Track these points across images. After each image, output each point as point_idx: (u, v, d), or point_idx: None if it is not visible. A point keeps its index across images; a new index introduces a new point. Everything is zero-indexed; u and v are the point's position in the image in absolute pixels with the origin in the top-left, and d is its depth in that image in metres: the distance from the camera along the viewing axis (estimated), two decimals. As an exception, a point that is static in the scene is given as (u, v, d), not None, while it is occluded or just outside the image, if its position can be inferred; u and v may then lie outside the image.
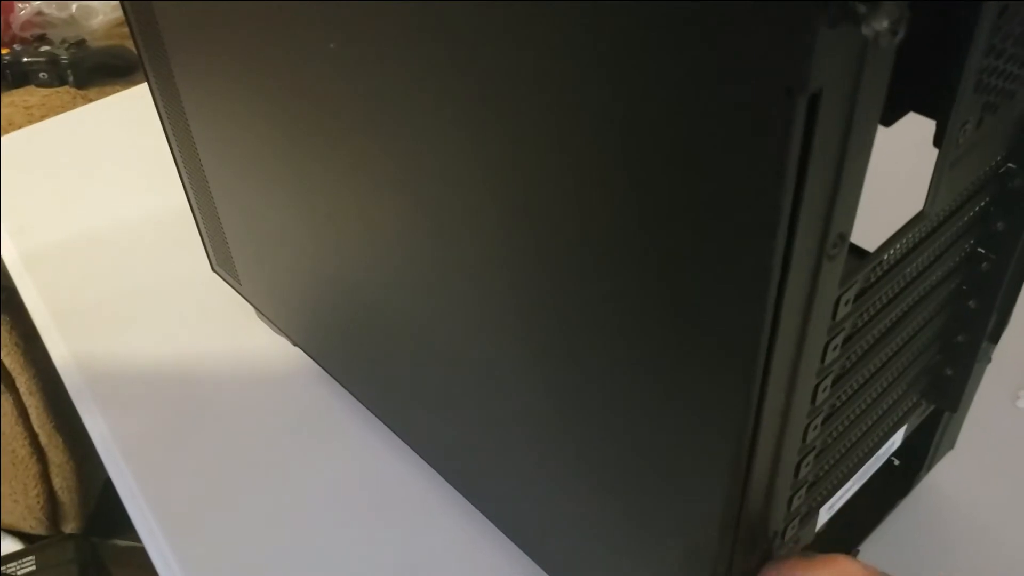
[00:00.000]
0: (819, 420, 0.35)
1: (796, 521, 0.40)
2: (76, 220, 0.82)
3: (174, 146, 0.62)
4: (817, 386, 0.33)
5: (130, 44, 1.48)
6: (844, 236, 0.28)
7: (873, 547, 0.54)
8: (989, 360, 0.50)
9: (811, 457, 0.37)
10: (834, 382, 0.34)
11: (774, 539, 0.39)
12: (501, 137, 0.32)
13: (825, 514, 0.42)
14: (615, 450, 0.37)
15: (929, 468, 0.55)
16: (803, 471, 0.37)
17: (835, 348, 0.32)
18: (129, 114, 0.97)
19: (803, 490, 0.38)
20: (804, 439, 0.35)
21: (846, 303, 0.31)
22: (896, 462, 0.54)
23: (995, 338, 0.47)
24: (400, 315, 0.48)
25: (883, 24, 0.21)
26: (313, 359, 0.64)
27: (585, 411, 0.38)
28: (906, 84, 0.28)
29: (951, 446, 0.56)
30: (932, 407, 0.47)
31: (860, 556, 0.53)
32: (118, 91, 1.10)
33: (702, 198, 0.26)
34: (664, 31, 0.24)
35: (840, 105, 0.24)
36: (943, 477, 0.57)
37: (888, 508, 0.54)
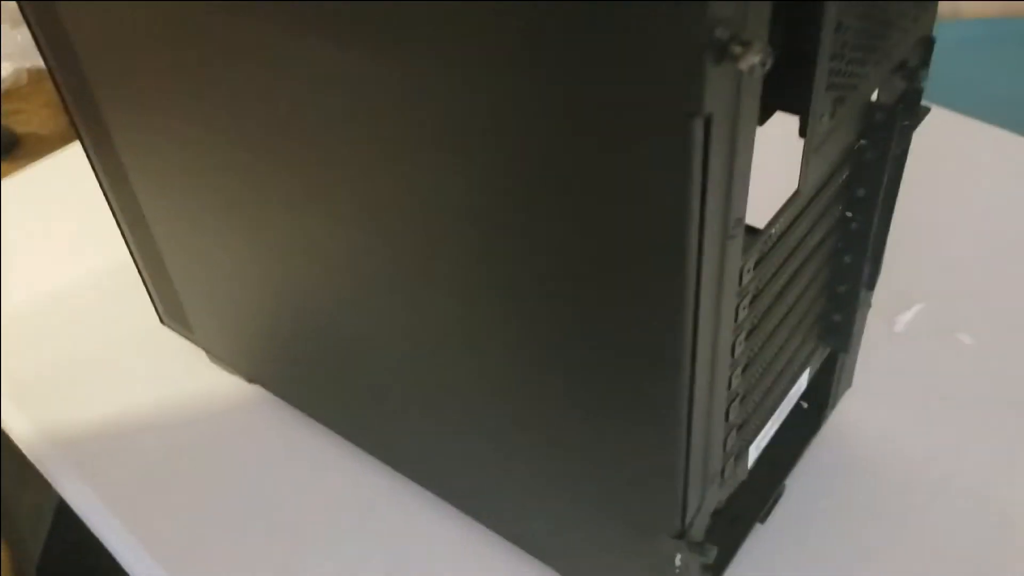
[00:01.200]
0: (739, 370, 0.42)
1: (732, 460, 0.47)
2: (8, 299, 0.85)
3: (115, 207, 0.66)
4: (734, 342, 0.40)
5: (10, 122, 1.48)
6: (740, 220, 0.35)
7: (796, 481, 0.62)
8: (869, 305, 0.58)
9: (737, 403, 0.44)
10: (747, 337, 0.42)
11: (715, 479, 0.46)
12: (434, 177, 0.39)
13: (754, 452, 0.50)
14: (578, 419, 0.44)
15: (833, 406, 0.63)
16: (732, 415, 0.44)
17: (744, 308, 0.40)
18: (35, 191, 0.98)
19: (734, 432, 0.46)
20: (729, 387, 0.42)
21: (748, 271, 0.38)
22: (805, 405, 0.62)
23: (871, 286, 0.56)
24: (349, 334, 0.54)
25: (754, 60, 0.28)
26: (269, 391, 0.69)
27: (545, 384, 0.44)
28: (773, 90, 0.35)
29: (849, 384, 0.64)
30: (828, 350, 0.55)
31: (786, 491, 0.61)
32: (3, 172, 1.09)
33: (634, 199, 0.33)
34: (591, 73, 0.31)
35: (727, 121, 0.31)
36: (845, 409, 0.65)
37: (804, 445, 0.62)
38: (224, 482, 0.67)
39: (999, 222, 0.80)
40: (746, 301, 0.40)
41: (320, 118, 0.42)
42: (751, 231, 0.40)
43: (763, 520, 0.59)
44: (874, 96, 0.43)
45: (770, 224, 0.40)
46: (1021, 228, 0.79)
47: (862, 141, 0.44)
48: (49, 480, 0.70)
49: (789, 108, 0.37)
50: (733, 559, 0.57)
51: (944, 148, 0.88)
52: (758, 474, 0.59)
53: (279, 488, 0.66)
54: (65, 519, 1.19)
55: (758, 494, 0.59)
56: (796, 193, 0.40)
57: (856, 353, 0.61)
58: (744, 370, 0.43)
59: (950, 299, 0.73)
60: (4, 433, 0.79)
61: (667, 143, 0.30)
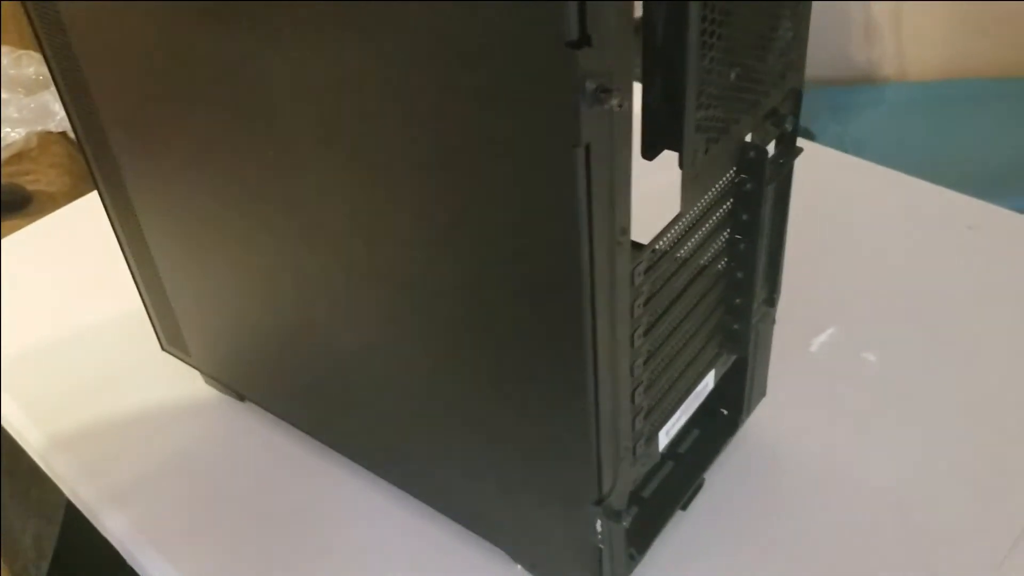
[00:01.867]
0: (640, 360, 0.52)
1: (643, 441, 0.56)
2: (25, 345, 0.94)
3: (124, 244, 0.76)
4: (632, 334, 0.50)
5: (21, 181, 1.60)
6: (625, 229, 0.45)
7: (716, 476, 0.71)
8: (774, 321, 0.68)
9: (641, 389, 0.53)
10: (646, 332, 0.51)
11: (627, 455, 0.55)
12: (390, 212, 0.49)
13: (664, 437, 0.59)
14: (506, 401, 0.53)
15: (749, 412, 0.73)
16: (638, 399, 0.53)
17: (640, 307, 0.49)
18: (46, 244, 1.08)
19: (642, 415, 0.55)
20: (632, 374, 0.52)
21: (639, 274, 0.48)
22: (725, 412, 0.72)
23: (771, 303, 0.65)
24: (332, 346, 0.63)
25: (615, 102, 0.38)
26: (261, 406, 0.79)
27: (476, 373, 0.54)
28: (658, 132, 0.46)
29: (763, 394, 0.74)
30: (733, 357, 0.65)
31: (706, 484, 0.70)
32: (17, 225, 1.19)
33: (539, 209, 0.43)
34: (506, 112, 0.41)
35: (603, 147, 0.41)
36: (762, 416, 0.74)
37: (722, 444, 0.71)
38: (218, 483, 0.76)
39: (905, 259, 0.90)
40: (640, 300, 0.49)
41: (301, 162, 0.52)
42: (639, 246, 0.49)
43: (684, 507, 0.68)
44: (748, 137, 0.53)
45: (656, 238, 0.50)
46: (922, 264, 0.89)
47: (742, 175, 0.54)
48: (57, 482, 0.79)
49: (670, 146, 0.48)
50: (657, 539, 0.65)
51: (861, 195, 0.99)
52: (681, 468, 0.69)
53: (262, 488, 0.75)
54: (66, 551, 1.27)
55: (680, 485, 0.68)
56: (679, 214, 0.50)
57: (765, 365, 0.71)
58: (646, 361, 0.53)
59: (859, 323, 0.83)
60: (4, 471, 0.88)
61: (559, 165, 0.40)
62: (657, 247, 0.50)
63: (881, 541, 0.67)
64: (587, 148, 0.40)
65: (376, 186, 0.50)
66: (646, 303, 0.50)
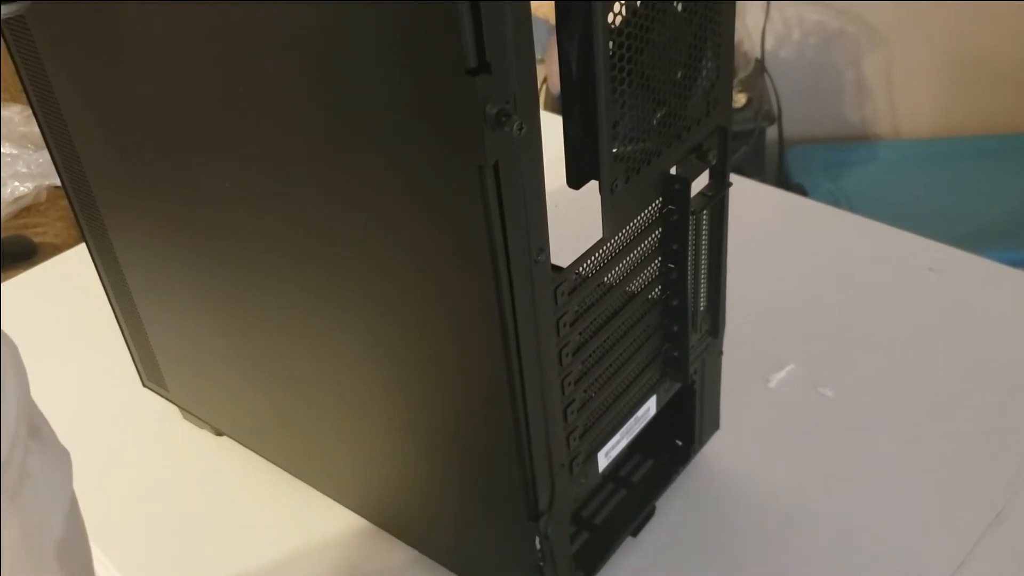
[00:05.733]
0: (572, 378, 0.55)
1: (580, 459, 0.59)
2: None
3: (108, 289, 0.80)
4: (560, 351, 0.53)
5: (29, 233, 1.66)
6: (542, 248, 0.48)
7: (667, 504, 0.73)
8: (721, 353, 0.71)
9: (575, 407, 0.56)
10: (575, 351, 0.54)
11: (562, 471, 0.57)
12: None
13: (604, 459, 0.61)
14: (441, 412, 0.56)
15: (702, 443, 0.75)
16: (571, 417, 0.56)
17: (565, 326, 0.52)
18: (45, 286, 1.12)
19: (577, 434, 0.57)
20: (563, 391, 0.54)
21: (563, 294, 0.51)
22: (679, 443, 0.74)
23: (715, 333, 0.68)
24: (290, 378, 0.66)
25: (513, 126, 0.42)
26: (235, 439, 0.81)
27: (416, 401, 0.56)
28: (579, 162, 0.49)
29: (716, 426, 0.76)
30: (676, 384, 0.67)
31: (657, 512, 0.72)
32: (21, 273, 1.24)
33: (460, 225, 0.46)
34: (427, 142, 0.44)
35: (511, 169, 0.44)
36: (716, 448, 0.76)
37: (673, 473, 0.73)
38: (193, 508, 0.78)
39: (867, 298, 0.93)
40: (566, 319, 0.52)
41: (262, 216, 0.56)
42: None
43: (635, 534, 0.70)
44: (673, 170, 0.56)
45: (577, 261, 0.53)
46: (883, 304, 0.92)
47: (670, 206, 0.57)
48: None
49: (592, 175, 0.51)
50: (606, 565, 0.67)
51: (825, 237, 1.02)
52: (633, 496, 0.71)
53: (237, 517, 0.77)
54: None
55: (632, 512, 0.70)
56: (601, 240, 0.53)
57: (716, 396, 0.73)
58: (579, 380, 0.56)
59: (818, 360, 0.86)
60: None
61: (467, 187, 0.44)
62: (580, 270, 0.53)
63: (830, 575, 0.68)
64: (495, 169, 0.43)
65: (308, 232, 0.54)
66: (573, 323, 0.53)
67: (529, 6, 0.42)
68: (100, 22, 0.58)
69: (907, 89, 2.05)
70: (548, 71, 1.73)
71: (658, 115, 0.53)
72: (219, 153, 0.57)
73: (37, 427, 0.41)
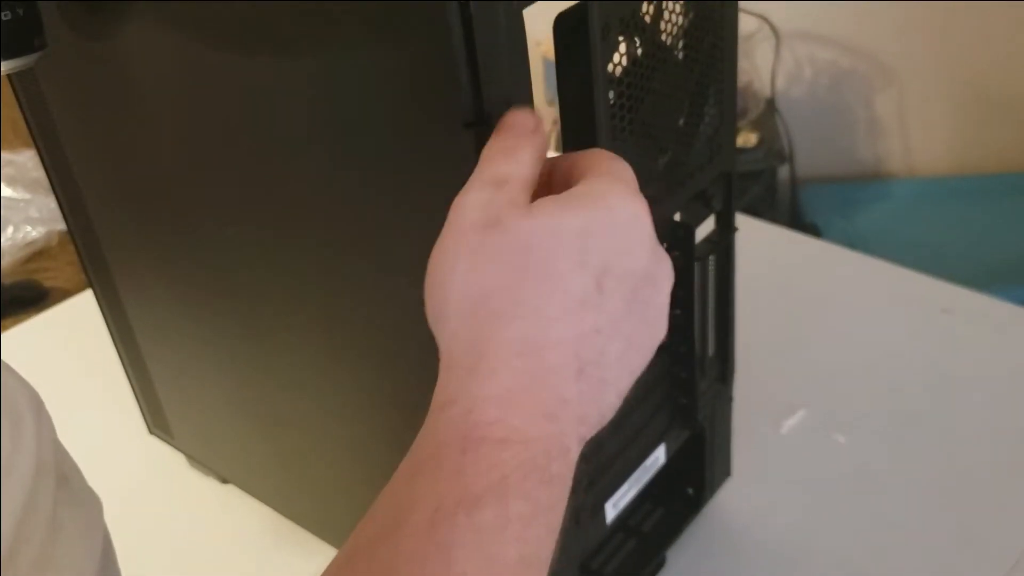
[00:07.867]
0: (576, 429, 0.54)
1: (588, 510, 0.58)
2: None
3: (116, 337, 0.80)
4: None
5: (40, 277, 1.67)
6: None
7: (678, 554, 0.71)
8: (731, 398, 0.70)
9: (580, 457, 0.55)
10: (579, 401, 0.53)
11: (569, 523, 0.56)
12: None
13: (612, 509, 0.60)
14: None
15: (712, 491, 0.74)
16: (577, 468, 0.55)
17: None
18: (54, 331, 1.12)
19: (583, 485, 0.56)
20: (567, 442, 0.53)
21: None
22: (690, 490, 0.73)
23: (724, 379, 0.67)
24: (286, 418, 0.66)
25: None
26: (241, 487, 0.81)
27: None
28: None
29: (727, 473, 0.75)
30: (686, 432, 0.66)
31: (668, 562, 0.71)
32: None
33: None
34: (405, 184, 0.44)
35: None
36: (728, 496, 0.75)
37: (684, 523, 0.72)
38: (199, 556, 0.78)
39: (880, 341, 0.91)
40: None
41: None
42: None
43: (645, 585, 0.69)
44: (677, 216, 0.56)
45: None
46: (896, 347, 0.91)
47: (673, 252, 0.57)
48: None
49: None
50: (615, 617, 0.66)
51: (837, 279, 1.01)
52: (643, 546, 0.70)
53: (242, 566, 0.77)
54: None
55: (641, 562, 0.69)
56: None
57: (727, 444, 0.72)
58: (583, 431, 0.55)
59: (831, 406, 0.84)
60: None
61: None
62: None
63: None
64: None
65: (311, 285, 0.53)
66: (577, 373, 0.52)
67: (528, 66, 0.42)
68: (107, 73, 0.58)
69: (920, 127, 2.04)
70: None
71: (660, 162, 0.53)
72: (224, 204, 0.57)
73: (66, 476, 0.40)
